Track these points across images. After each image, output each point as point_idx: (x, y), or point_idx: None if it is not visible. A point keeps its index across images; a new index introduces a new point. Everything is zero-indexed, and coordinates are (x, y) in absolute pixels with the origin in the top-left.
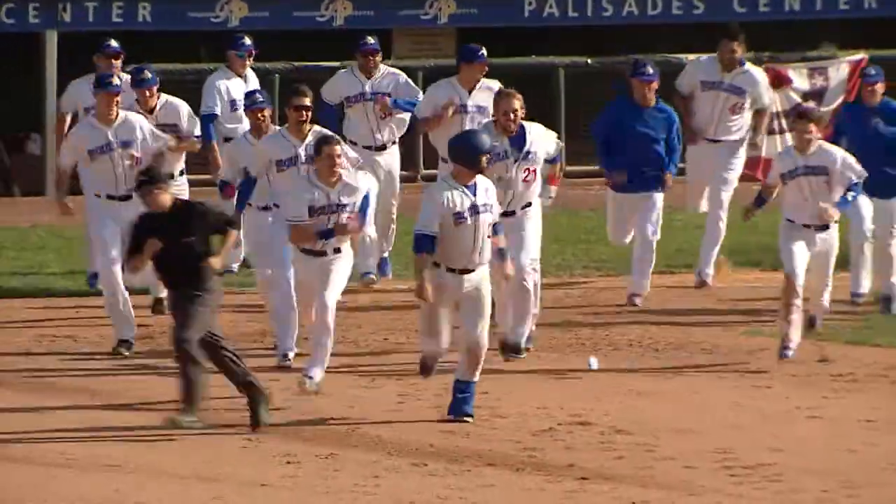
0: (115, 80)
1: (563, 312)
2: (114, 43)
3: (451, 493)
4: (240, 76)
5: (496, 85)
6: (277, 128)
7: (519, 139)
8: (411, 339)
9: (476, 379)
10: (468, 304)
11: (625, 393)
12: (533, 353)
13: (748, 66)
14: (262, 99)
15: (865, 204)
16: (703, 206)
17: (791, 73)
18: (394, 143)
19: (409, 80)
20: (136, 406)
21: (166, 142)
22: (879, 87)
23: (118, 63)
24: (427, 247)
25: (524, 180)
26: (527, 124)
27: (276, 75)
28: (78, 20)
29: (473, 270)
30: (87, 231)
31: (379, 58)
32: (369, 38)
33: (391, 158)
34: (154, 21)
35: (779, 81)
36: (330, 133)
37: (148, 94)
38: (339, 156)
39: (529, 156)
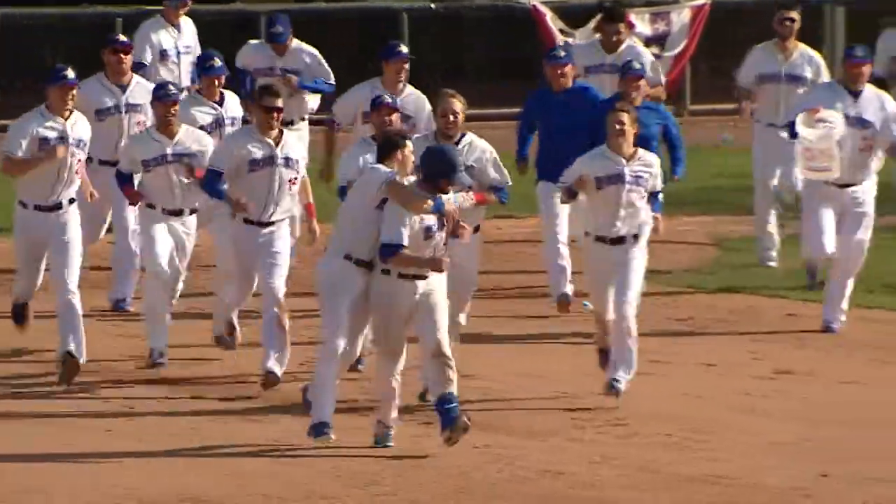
0: (70, 74)
1: None
2: (122, 37)
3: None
4: (173, 25)
5: (421, 96)
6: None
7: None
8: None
9: (453, 389)
10: (423, 311)
11: (470, 339)
12: None
13: (629, 41)
14: (174, 91)
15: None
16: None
17: (633, 18)
18: (302, 119)
19: (321, 59)
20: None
21: None
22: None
23: (128, 59)
24: (397, 252)
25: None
26: (467, 135)
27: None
28: None
29: (426, 276)
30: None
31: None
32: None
33: (300, 136)
34: None
35: None
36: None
37: (217, 83)
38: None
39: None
